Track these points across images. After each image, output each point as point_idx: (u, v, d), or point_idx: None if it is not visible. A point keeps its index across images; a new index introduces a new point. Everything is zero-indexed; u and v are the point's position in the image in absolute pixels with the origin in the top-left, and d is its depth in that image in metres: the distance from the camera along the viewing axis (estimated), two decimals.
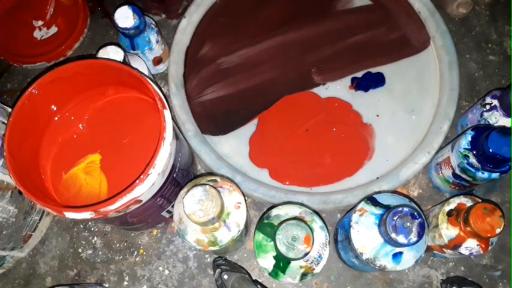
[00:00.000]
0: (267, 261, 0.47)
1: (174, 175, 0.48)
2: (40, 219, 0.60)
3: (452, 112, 0.61)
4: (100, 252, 0.60)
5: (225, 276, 0.50)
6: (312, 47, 0.67)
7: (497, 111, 0.55)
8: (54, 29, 0.70)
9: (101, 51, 0.55)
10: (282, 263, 0.47)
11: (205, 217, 0.41)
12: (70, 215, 0.41)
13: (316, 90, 0.65)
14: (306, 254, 0.43)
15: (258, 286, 0.52)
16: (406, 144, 0.62)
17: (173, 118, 0.56)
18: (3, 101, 0.66)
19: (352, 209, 0.50)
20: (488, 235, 0.45)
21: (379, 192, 0.57)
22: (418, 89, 0.64)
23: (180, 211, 0.46)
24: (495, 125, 0.55)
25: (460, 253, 0.49)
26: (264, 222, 0.48)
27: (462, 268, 0.58)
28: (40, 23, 0.70)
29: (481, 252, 0.48)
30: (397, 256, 0.45)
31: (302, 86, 0.65)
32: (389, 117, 0.63)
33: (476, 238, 0.47)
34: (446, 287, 0.54)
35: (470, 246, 0.48)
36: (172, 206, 0.52)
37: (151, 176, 0.42)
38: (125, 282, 0.59)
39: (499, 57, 0.68)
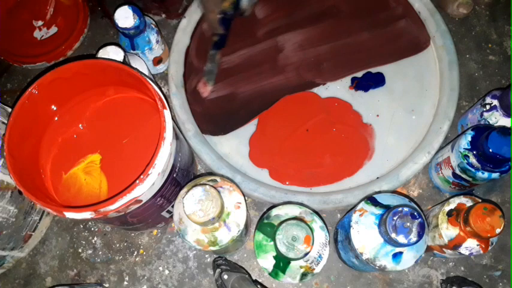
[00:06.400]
0: (267, 261, 0.47)
1: (174, 175, 0.48)
2: (40, 219, 0.60)
3: (452, 112, 0.61)
4: (100, 252, 0.60)
5: (225, 276, 0.50)
6: (312, 47, 0.67)
7: (497, 111, 0.55)
8: (54, 29, 0.70)
9: (101, 51, 0.55)
10: (282, 263, 0.47)
11: (205, 217, 0.41)
12: (70, 215, 0.41)
13: (316, 90, 0.65)
14: (306, 254, 0.43)
15: (258, 286, 0.52)
16: (406, 144, 0.62)
17: (173, 118, 0.56)
18: (3, 101, 0.66)
19: (352, 209, 0.50)
20: (488, 235, 0.45)
21: (379, 192, 0.57)
22: (418, 89, 0.65)
23: (180, 211, 0.46)
24: (495, 125, 0.55)
25: (460, 253, 0.49)
26: (264, 222, 0.48)
27: (462, 268, 0.58)
28: (40, 23, 0.70)
29: (481, 252, 0.48)
30: (397, 256, 0.45)
31: (302, 86, 0.65)
32: (389, 117, 0.63)
33: (476, 238, 0.47)
34: (446, 287, 0.54)
35: (470, 246, 0.48)
36: (172, 206, 0.52)
37: (151, 176, 0.42)
38: (125, 282, 0.59)
39: (499, 57, 0.68)
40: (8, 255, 0.57)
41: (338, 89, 0.65)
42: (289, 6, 0.69)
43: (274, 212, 0.49)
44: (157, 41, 0.62)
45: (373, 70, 0.65)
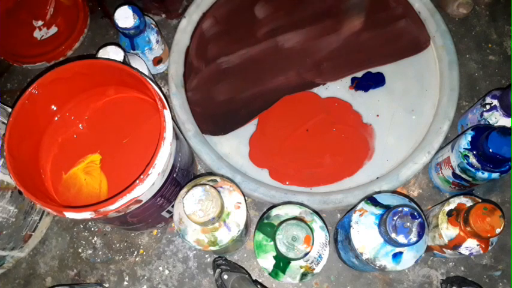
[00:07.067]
0: (267, 261, 0.47)
1: (174, 175, 0.48)
2: (40, 219, 0.60)
3: (452, 112, 0.61)
4: (100, 252, 0.60)
5: (225, 276, 0.50)
6: (312, 47, 0.67)
7: (497, 111, 0.55)
8: (54, 29, 0.70)
9: (101, 51, 0.55)
10: (282, 263, 0.47)
11: (205, 217, 0.41)
12: (70, 215, 0.41)
13: (316, 90, 0.65)
14: (306, 254, 0.43)
15: (258, 286, 0.52)
16: (406, 144, 0.62)
17: (173, 118, 0.56)
18: (3, 101, 0.66)
19: (352, 209, 0.50)
20: (488, 235, 0.45)
21: (379, 192, 0.57)
22: (418, 89, 0.65)
23: (180, 211, 0.46)
24: (495, 125, 0.55)
25: (460, 253, 0.49)
26: (264, 222, 0.48)
27: (462, 268, 0.58)
28: (40, 23, 0.70)
29: (481, 252, 0.48)
30: (397, 256, 0.45)
31: (302, 86, 0.65)
32: (389, 117, 0.63)
33: (476, 238, 0.47)
34: (446, 287, 0.54)
35: (470, 246, 0.48)
36: (172, 206, 0.52)
37: (151, 176, 0.42)
38: (125, 282, 0.59)
39: (499, 57, 0.68)
40: (8, 255, 0.57)
41: (338, 89, 0.65)
42: (290, 6, 0.69)
43: (274, 212, 0.49)
44: (157, 41, 0.62)
45: (373, 70, 0.65)
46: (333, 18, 0.68)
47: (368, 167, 0.61)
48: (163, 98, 0.45)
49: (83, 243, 0.61)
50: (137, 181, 0.42)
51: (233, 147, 0.63)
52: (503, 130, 0.48)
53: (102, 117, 0.51)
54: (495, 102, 0.55)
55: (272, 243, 0.46)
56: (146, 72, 0.59)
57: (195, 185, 0.42)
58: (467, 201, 0.50)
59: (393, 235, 0.42)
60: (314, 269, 0.47)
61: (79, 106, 0.51)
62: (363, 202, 0.47)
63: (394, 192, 0.58)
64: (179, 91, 0.64)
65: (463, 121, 0.62)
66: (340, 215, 0.61)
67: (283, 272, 0.47)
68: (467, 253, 0.48)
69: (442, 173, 0.57)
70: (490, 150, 0.48)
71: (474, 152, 0.50)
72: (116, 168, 0.49)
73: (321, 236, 0.47)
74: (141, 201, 0.44)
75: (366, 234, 0.45)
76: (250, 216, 0.58)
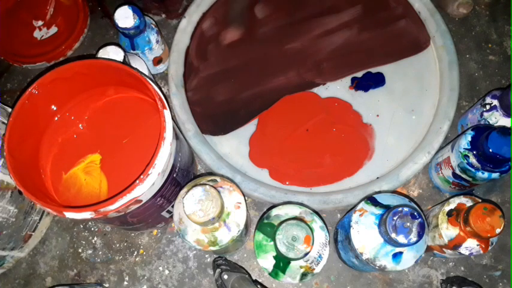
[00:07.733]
0: (267, 261, 0.47)
1: (174, 175, 0.48)
2: (40, 219, 0.60)
3: (452, 112, 0.61)
4: (100, 252, 0.60)
5: (225, 276, 0.50)
6: (312, 47, 0.67)
7: (497, 111, 0.55)
8: (54, 29, 0.70)
9: (101, 51, 0.55)
10: (282, 263, 0.47)
11: (205, 217, 0.41)
12: (70, 215, 0.41)
13: (316, 90, 0.65)
14: (306, 254, 0.43)
15: (258, 286, 0.52)
16: (406, 144, 0.62)
17: (173, 118, 0.56)
18: (3, 101, 0.66)
19: (352, 209, 0.50)
20: (488, 235, 0.45)
21: (379, 192, 0.57)
22: (418, 89, 0.65)
23: (180, 211, 0.46)
24: (495, 125, 0.55)
25: (460, 253, 0.49)
26: (264, 222, 0.48)
27: (462, 268, 0.58)
28: (40, 23, 0.70)
29: (481, 252, 0.48)
30: (397, 256, 0.45)
31: (302, 86, 0.65)
32: (389, 117, 0.63)
33: (476, 238, 0.47)
34: (446, 287, 0.54)
35: (470, 246, 0.48)
36: (172, 206, 0.52)
37: (151, 176, 0.42)
38: (125, 282, 0.59)
39: (499, 57, 0.68)
40: (8, 255, 0.57)
41: (338, 89, 0.65)
42: (289, 6, 0.69)
43: (274, 212, 0.49)
44: (157, 41, 0.62)
45: (373, 70, 0.65)
46: (333, 18, 0.68)
47: (368, 167, 0.61)
48: (163, 98, 0.45)
49: (83, 243, 0.61)
50: (137, 181, 0.42)
51: (233, 147, 0.63)
52: (503, 130, 0.48)
53: (102, 117, 0.51)
54: (495, 102, 0.55)
55: (272, 243, 0.46)
56: (146, 72, 0.59)
57: (195, 185, 0.42)
58: (467, 201, 0.50)
59: (393, 235, 0.42)
60: (314, 269, 0.47)
61: (79, 106, 0.51)
62: (363, 202, 0.47)
63: (394, 192, 0.58)
64: (179, 91, 0.64)
65: (463, 121, 0.62)
66: (340, 215, 0.61)
67: (283, 272, 0.47)
68: (467, 253, 0.48)
69: (442, 173, 0.57)
70: (490, 150, 0.48)
71: (474, 152, 0.50)
72: (116, 168, 0.49)
73: (321, 236, 0.47)
74: (141, 201, 0.44)
75: (366, 234, 0.45)
76: (250, 216, 0.58)
